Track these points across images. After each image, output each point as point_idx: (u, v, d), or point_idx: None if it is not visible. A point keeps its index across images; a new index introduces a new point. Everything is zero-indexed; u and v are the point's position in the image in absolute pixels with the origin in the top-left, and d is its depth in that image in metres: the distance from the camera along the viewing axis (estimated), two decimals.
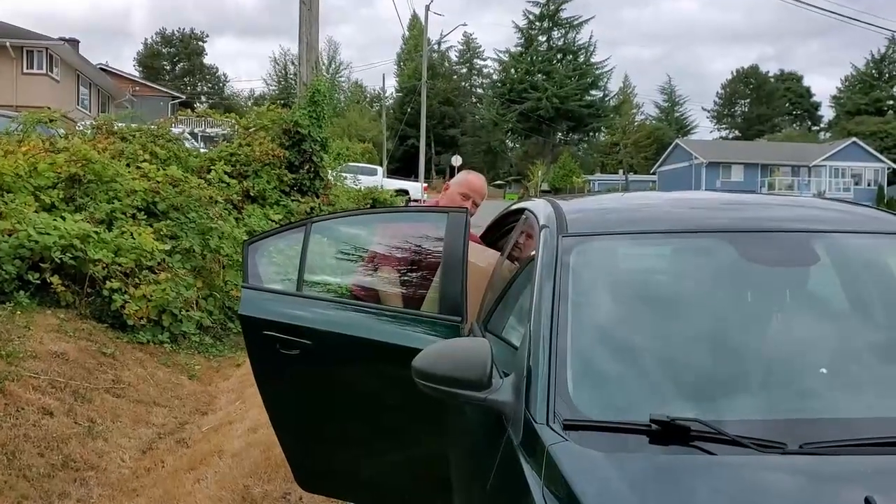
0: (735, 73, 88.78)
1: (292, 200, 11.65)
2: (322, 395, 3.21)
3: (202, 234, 8.66)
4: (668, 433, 1.71)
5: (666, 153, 61.36)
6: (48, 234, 6.99)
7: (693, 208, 2.73)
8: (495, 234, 3.66)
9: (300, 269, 3.28)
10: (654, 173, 63.10)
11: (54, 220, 7.30)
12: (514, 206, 3.31)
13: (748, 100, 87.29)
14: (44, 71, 29.10)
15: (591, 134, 76.57)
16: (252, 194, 11.13)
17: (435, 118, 61.01)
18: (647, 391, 1.94)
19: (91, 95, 34.92)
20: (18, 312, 6.58)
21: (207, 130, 22.73)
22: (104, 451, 5.17)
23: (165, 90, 50.35)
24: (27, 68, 28.76)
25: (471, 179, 4.02)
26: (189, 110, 11.97)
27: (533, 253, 2.74)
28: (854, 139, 54.66)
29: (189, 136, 18.60)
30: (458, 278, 2.97)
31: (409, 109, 50.43)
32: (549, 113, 67.23)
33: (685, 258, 2.34)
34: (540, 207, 2.79)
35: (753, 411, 1.86)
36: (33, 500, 4.32)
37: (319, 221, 3.43)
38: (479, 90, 78.87)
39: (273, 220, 10.55)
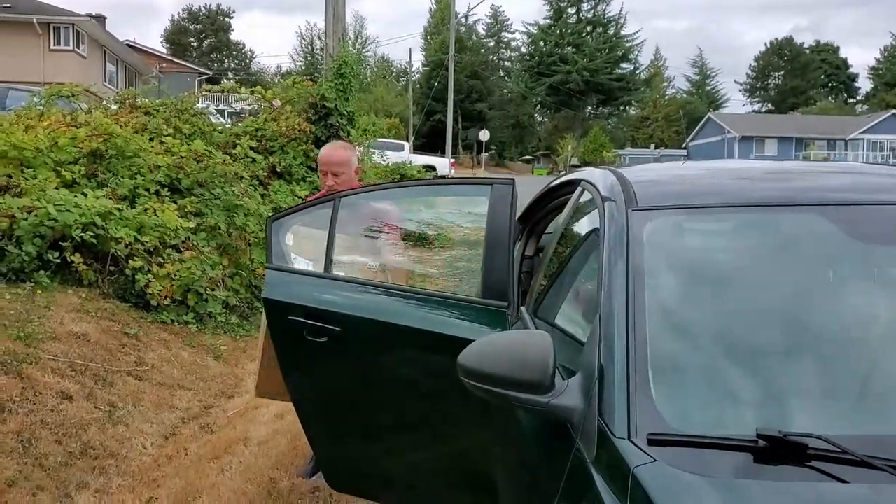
0: (769, 45, 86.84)
1: (318, 176, 11.35)
2: (353, 387, 2.92)
3: (227, 210, 8.40)
4: (780, 451, 1.39)
5: (698, 127, 60.32)
6: (68, 211, 6.76)
7: (782, 178, 2.37)
8: (539, 211, 3.32)
9: (328, 249, 2.98)
10: (685, 148, 62.08)
11: (75, 196, 7.07)
12: (564, 178, 2.97)
13: (782, 72, 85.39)
14: (71, 47, 29.02)
15: (621, 108, 75.43)
16: (278, 170, 10.85)
17: (462, 92, 60.24)
18: (748, 398, 1.60)
19: (118, 72, 34.85)
20: (38, 292, 6.37)
21: (233, 106, 22.49)
22: (125, 437, 4.94)
23: (192, 66, 50.22)
24: (54, 45, 28.69)
25: (321, 154, 3.97)
26: (214, 86, 11.70)
27: (588, 230, 2.42)
28: (893, 111, 53.22)
29: (215, 112, 18.37)
30: (504, 259, 2.66)
31: (436, 84, 49.85)
32: (578, 86, 66.26)
33: (784, 236, 1.98)
34: (599, 177, 2.45)
35: (884, 425, 1.52)
36: (49, 491, 4.09)
37: (348, 196, 3.12)
38: (507, 64, 77.89)
39: (299, 197, 10.26)
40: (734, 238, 2.04)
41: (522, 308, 2.58)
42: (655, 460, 1.41)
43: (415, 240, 3.72)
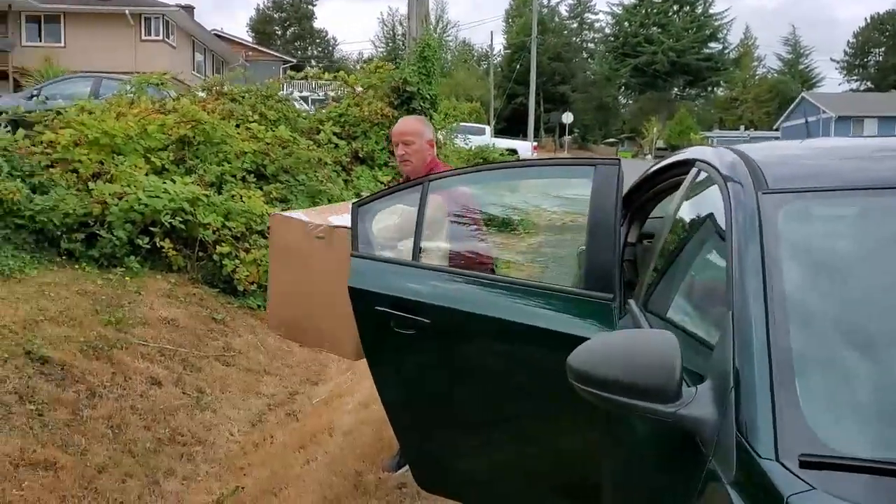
0: (869, 20, 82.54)
1: None
2: (443, 381, 2.76)
3: (311, 196, 8.38)
4: None
5: (790, 107, 57.89)
6: (158, 197, 6.83)
7: None
8: (644, 195, 3.08)
9: (416, 235, 2.82)
10: (776, 129, 59.74)
11: (164, 183, 7.14)
12: (673, 159, 2.72)
13: (883, 48, 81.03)
14: (161, 37, 29.80)
15: (708, 88, 73.17)
16: (361, 155, 10.80)
17: (544, 75, 59.42)
18: None
19: (206, 61, 35.66)
20: (128, 278, 6.45)
21: (317, 92, 22.66)
22: (212, 423, 4.93)
23: (277, 54, 51.00)
24: (145, 35, 29.50)
25: (394, 127, 3.85)
26: (298, 72, 11.76)
27: (706, 215, 2.18)
28: None
29: (299, 99, 18.53)
30: (609, 245, 2.44)
31: (517, 67, 49.32)
32: (664, 67, 64.56)
33: None
34: (717, 157, 2.20)
35: None
36: (137, 477, 4.09)
37: (437, 180, 2.94)
38: (591, 45, 76.44)
39: (381, 182, 10.20)
40: (884, 224, 1.77)
41: (631, 301, 2.36)
42: (813, 488, 1.19)
43: (499, 225, 3.54)
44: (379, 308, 2.74)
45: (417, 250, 2.83)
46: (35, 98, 11.49)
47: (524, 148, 29.77)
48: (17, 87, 24.82)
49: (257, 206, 7.36)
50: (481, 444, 2.76)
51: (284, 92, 12.50)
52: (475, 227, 3.37)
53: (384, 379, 2.89)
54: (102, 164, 7.43)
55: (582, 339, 2.39)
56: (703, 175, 2.25)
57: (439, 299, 2.65)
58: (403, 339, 2.71)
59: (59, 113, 7.97)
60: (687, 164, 2.51)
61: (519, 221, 3.17)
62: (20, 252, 6.23)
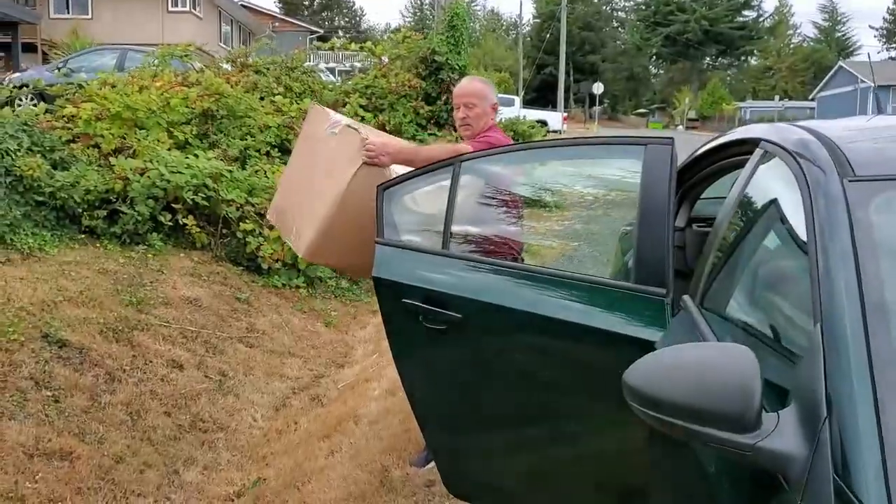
0: None
1: (429, 134, 11.01)
2: (476, 382, 2.54)
3: None
4: None
5: (827, 77, 56.41)
6: (180, 172, 6.66)
7: None
8: (694, 175, 2.82)
9: (446, 221, 2.59)
10: (812, 99, 58.35)
11: (186, 158, 6.97)
12: (733, 136, 2.46)
13: None
14: (187, 8, 29.57)
15: (742, 58, 71.56)
16: (388, 129, 10.55)
17: (574, 44, 58.43)
18: None
19: (233, 32, 35.42)
20: (150, 256, 6.30)
21: (344, 63, 22.38)
22: (235, 408, 4.78)
23: (304, 25, 50.62)
24: (172, 6, 29.29)
25: (455, 87, 3.58)
26: (324, 43, 11.37)
27: (776, 202, 1.93)
28: None
29: (325, 70, 18.27)
30: (662, 235, 2.20)
31: (547, 36, 48.45)
32: (697, 36, 63.16)
33: None
34: (787, 136, 1.95)
35: None
36: (156, 467, 3.95)
37: (470, 160, 2.71)
38: (622, 14, 75.13)
39: None
40: None
41: (685, 297, 2.11)
42: None
43: (536, 209, 3.30)
44: (407, 301, 2.52)
45: (447, 237, 2.60)
46: (58, 70, 11.33)
47: (554, 119, 29.28)
48: (46, 59, 24.79)
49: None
50: (517, 449, 2.55)
51: (311, 63, 12.26)
52: (508, 210, 3.14)
53: (411, 376, 2.68)
54: (125, 138, 7.27)
55: (631, 340, 2.19)
56: (769, 157, 2.00)
57: (473, 292, 2.43)
58: (433, 335, 2.50)
59: (80, 86, 7.80)
60: (748, 144, 2.25)
61: (557, 205, 2.92)
62: (40, 230, 6.10)
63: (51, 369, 4.30)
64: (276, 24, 45.53)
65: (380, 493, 3.39)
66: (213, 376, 5.05)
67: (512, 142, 3.44)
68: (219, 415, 4.66)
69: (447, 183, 2.64)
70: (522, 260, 3.34)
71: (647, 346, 2.04)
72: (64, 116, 7.26)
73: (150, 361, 4.87)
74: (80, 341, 4.68)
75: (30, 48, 27.38)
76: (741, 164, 2.37)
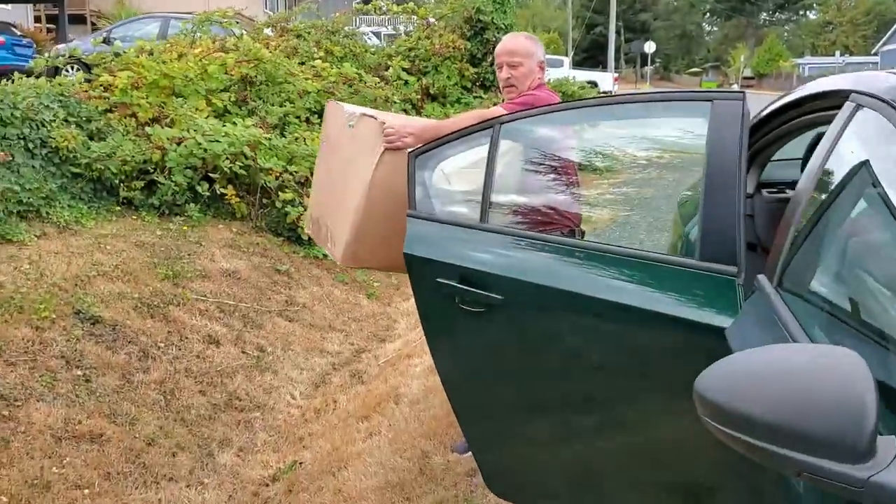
0: None
1: (474, 97, 10.67)
2: (520, 372, 2.28)
3: None
4: None
5: (891, 31, 54.05)
6: (217, 141, 6.48)
7: None
8: (765, 135, 2.50)
9: (485, 191, 2.32)
10: (875, 54, 56.02)
11: (224, 125, 6.78)
12: (815, 89, 2.13)
13: None
14: None
15: (800, 12, 69.05)
16: (431, 92, 10.26)
17: (625, 3, 57.01)
18: None
19: None
20: (187, 227, 6.15)
21: (388, 27, 21.97)
22: (273, 386, 4.62)
23: None
24: None
25: (499, 45, 3.21)
26: (366, 5, 11.04)
27: (873, 166, 1.61)
28: None
29: (368, 32, 17.93)
30: (732, 205, 1.91)
31: None
32: None
33: None
34: (879, 84, 1.64)
35: None
36: (189, 450, 3.80)
37: (511, 122, 2.42)
38: None
39: None
40: None
41: (760, 277, 1.82)
42: None
43: (587, 174, 3.01)
44: (441, 281, 2.27)
45: (486, 209, 2.33)
46: (100, 39, 11.25)
47: (605, 80, 28.53)
48: (94, 29, 24.92)
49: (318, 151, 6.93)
50: (565, 445, 2.29)
51: (353, 27, 11.97)
52: (558, 178, 2.85)
53: (447, 363, 2.44)
54: (163, 107, 7.11)
55: (697, 326, 1.91)
56: (862, 110, 1.68)
57: (515, 272, 2.16)
58: (471, 318, 2.25)
59: (117, 54, 7.65)
60: (833, 97, 1.92)
61: (610, 170, 2.63)
62: (77, 202, 5.98)
63: (82, 347, 4.17)
64: None
65: (419, 481, 3.18)
66: (251, 352, 4.89)
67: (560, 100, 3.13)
68: (256, 393, 4.49)
69: (485, 150, 2.37)
70: (582, 233, 3.07)
71: (714, 334, 1.77)
72: (101, 86, 7.11)
73: (186, 338, 4.73)
74: (114, 318, 4.54)
75: (79, 20, 27.60)
76: (821, 122, 2.05)
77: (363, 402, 4.29)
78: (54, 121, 6.10)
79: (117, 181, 6.25)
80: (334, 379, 4.85)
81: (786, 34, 68.49)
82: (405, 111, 9.07)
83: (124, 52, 7.74)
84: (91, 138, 6.43)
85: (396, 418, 3.89)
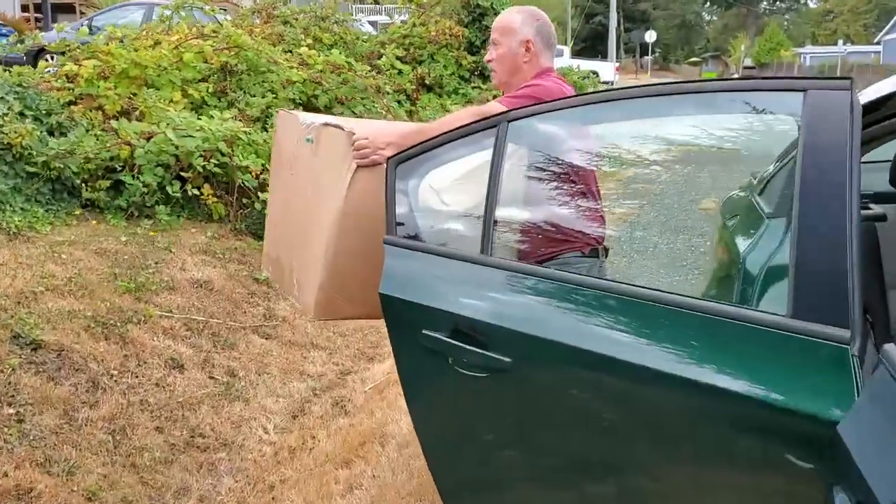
0: None
1: (472, 88, 10.07)
2: (532, 456, 1.71)
3: None
4: None
5: (894, 20, 53.40)
6: (190, 136, 5.89)
7: None
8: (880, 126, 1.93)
9: (488, 210, 1.75)
10: (877, 43, 55.39)
11: (199, 119, 6.19)
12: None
13: None
14: None
15: (800, 1, 68.36)
16: (427, 82, 9.65)
17: None
18: None
19: None
20: (154, 233, 5.56)
21: (386, 15, 21.33)
22: (243, 418, 4.04)
23: None
24: None
25: None
26: None
27: None
28: None
29: (360, 20, 17.30)
30: (838, 237, 1.34)
31: None
32: None
33: None
34: None
35: None
36: (138, 502, 3.22)
37: (520, 119, 1.84)
38: None
39: (450, 112, 9.05)
40: None
41: (889, 347, 1.25)
42: None
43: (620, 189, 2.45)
44: (429, 333, 1.69)
45: (490, 234, 1.76)
46: (86, 28, 10.63)
47: (606, 70, 27.86)
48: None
49: None
50: None
51: (342, 14, 11.35)
52: (576, 187, 2.29)
53: (431, 435, 1.87)
54: (134, 98, 6.52)
55: (789, 413, 1.35)
56: None
57: (530, 325, 1.59)
58: (467, 384, 1.68)
59: (84, 43, 7.04)
60: None
61: (645, 178, 2.06)
62: (32, 205, 5.39)
63: (17, 380, 3.59)
64: None
65: None
66: (220, 377, 4.32)
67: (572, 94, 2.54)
68: (223, 427, 3.92)
69: (485, 156, 1.79)
70: (606, 252, 2.50)
71: (817, 426, 1.21)
72: (66, 76, 6.52)
73: (145, 363, 4.15)
74: (60, 341, 3.96)
75: (68, 9, 26.91)
76: None
77: (345, 441, 3.72)
78: (7, 114, 5.51)
79: (79, 181, 5.66)
80: (314, 408, 4.28)
81: (786, 23, 67.82)
82: (398, 102, 8.48)
83: (94, 38, 7.13)
84: (51, 133, 5.84)
85: (382, 466, 3.32)
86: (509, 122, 1.76)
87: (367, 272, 2.01)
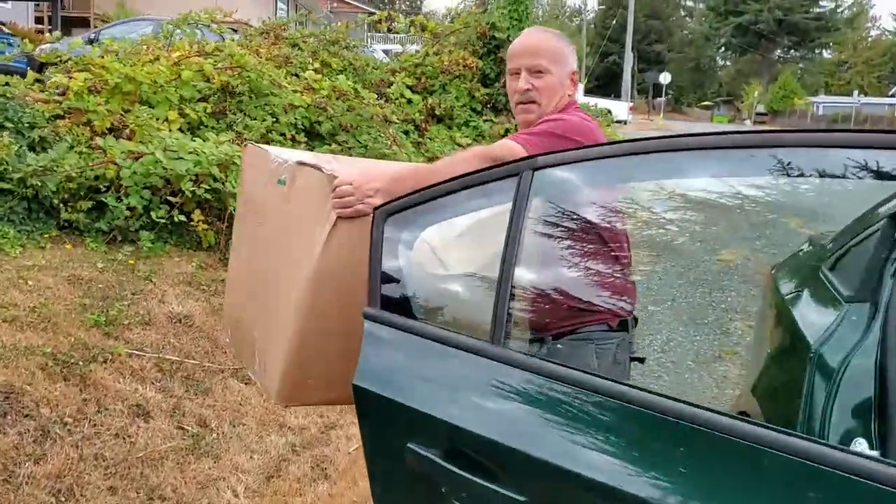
0: None
1: (484, 121, 9.70)
2: None
3: None
4: None
5: None
6: (181, 158, 5.50)
7: None
8: None
9: (501, 286, 1.32)
10: (892, 95, 55.36)
11: (193, 140, 5.82)
12: None
13: None
14: None
15: (816, 51, 68.43)
16: (437, 113, 9.29)
17: (640, 33, 56.23)
18: None
19: (289, 9, 34.46)
20: (132, 262, 5.15)
21: (401, 45, 21.11)
22: (211, 477, 3.59)
23: (363, 7, 49.51)
24: None
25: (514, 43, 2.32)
26: (380, 23, 10.19)
27: None
28: None
29: (378, 50, 17.06)
30: None
31: (612, 23, 46.59)
32: (769, 26, 60.45)
33: None
34: None
35: None
36: None
37: (548, 167, 1.43)
38: (689, 2, 72.41)
39: (460, 146, 8.67)
40: None
41: None
42: None
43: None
44: (415, 450, 1.27)
45: (505, 314, 1.34)
46: (89, 40, 10.40)
47: (620, 109, 27.61)
48: None
49: None
50: None
51: (366, 46, 11.05)
52: (604, 248, 1.89)
53: None
54: (127, 114, 6.15)
55: None
56: None
57: (555, 453, 1.16)
58: None
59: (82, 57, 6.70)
60: None
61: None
62: (3, 224, 5.00)
63: None
64: (335, 4, 44.38)
65: None
66: (190, 427, 3.88)
67: (600, 132, 2.14)
68: (187, 488, 3.47)
69: (500, 210, 1.38)
70: (635, 321, 2.11)
71: None
72: (58, 88, 6.16)
73: (105, 409, 3.72)
74: (10, 381, 3.53)
75: (83, 22, 26.82)
76: None
77: None
78: None
79: (57, 201, 5.26)
80: (292, 468, 3.83)
81: (800, 72, 67.87)
82: (406, 132, 8.10)
83: (90, 50, 6.79)
84: (32, 149, 5.46)
85: None
86: (535, 169, 1.35)
87: (348, 349, 1.59)
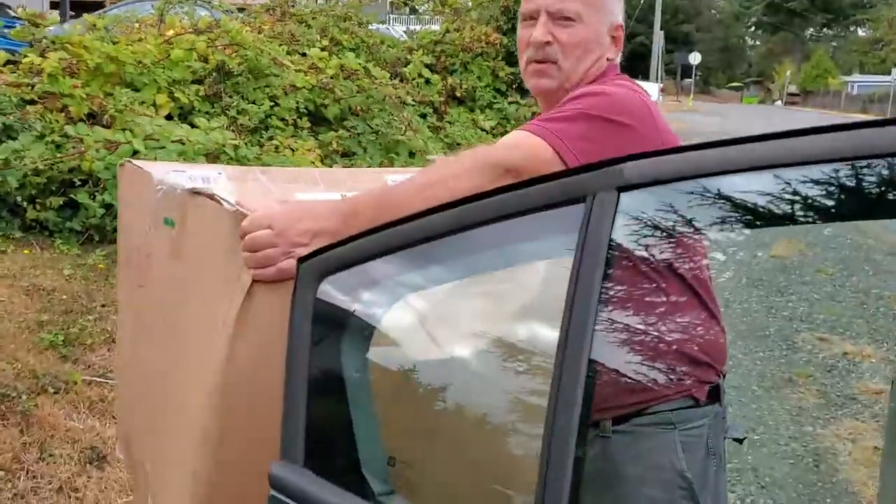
0: None
1: (509, 103, 8.95)
2: None
3: (386, 150, 6.23)
4: None
5: None
6: (163, 148, 4.85)
7: None
8: None
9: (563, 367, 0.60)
10: None
11: (179, 126, 5.17)
12: None
13: None
14: None
15: (851, 28, 66.71)
16: (458, 94, 8.56)
17: (667, 13, 54.92)
18: None
19: None
20: (101, 266, 4.50)
21: (419, 27, 20.35)
22: None
23: None
24: None
25: None
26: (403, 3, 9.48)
27: None
28: None
29: (398, 30, 16.33)
30: None
31: (640, 3, 45.46)
32: (802, 4, 58.98)
33: None
34: None
35: None
36: None
37: (642, 185, 0.69)
38: None
39: (483, 129, 7.94)
40: None
41: None
42: None
43: None
44: None
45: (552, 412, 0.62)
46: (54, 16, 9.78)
47: (650, 90, 26.69)
48: None
49: (303, 164, 5.28)
50: None
51: (388, 24, 10.34)
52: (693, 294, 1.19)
53: None
54: (109, 98, 5.50)
55: None
56: None
57: None
58: None
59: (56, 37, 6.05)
60: None
61: None
62: None
63: None
64: None
65: None
66: None
67: (658, 111, 1.45)
68: None
69: (543, 268, 0.68)
70: (723, 377, 1.43)
71: None
72: (30, 70, 5.52)
73: (50, 455, 3.06)
74: None
75: (98, 7, 26.46)
76: None
77: None
78: None
79: (21, 197, 4.63)
80: None
81: (833, 50, 66.27)
82: (423, 115, 7.38)
83: (70, 28, 6.16)
84: None
85: None
86: (621, 189, 0.65)
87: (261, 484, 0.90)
